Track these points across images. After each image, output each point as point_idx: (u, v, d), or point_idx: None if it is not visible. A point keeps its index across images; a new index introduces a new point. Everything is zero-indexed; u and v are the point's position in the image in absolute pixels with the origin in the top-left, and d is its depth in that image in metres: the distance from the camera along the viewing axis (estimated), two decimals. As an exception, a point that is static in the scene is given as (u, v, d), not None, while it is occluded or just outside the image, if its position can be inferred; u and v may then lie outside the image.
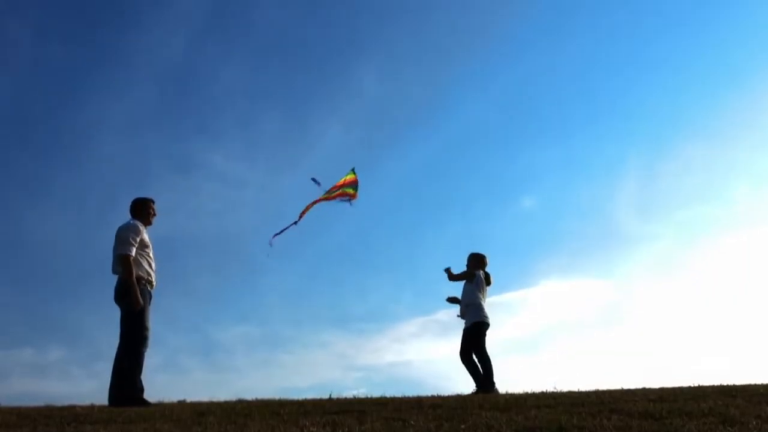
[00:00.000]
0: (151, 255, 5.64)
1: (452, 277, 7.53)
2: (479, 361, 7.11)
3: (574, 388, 5.70)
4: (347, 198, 7.78)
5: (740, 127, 20.44)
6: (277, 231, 7.39)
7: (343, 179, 7.81)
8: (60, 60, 18.95)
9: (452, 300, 7.60)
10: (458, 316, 7.49)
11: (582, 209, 20.79)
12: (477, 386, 6.99)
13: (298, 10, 20.95)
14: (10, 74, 18.25)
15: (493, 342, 7.28)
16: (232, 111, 20.77)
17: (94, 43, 19.53)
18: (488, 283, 7.50)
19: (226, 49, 20.61)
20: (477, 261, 7.58)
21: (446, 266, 7.58)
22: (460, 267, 7.64)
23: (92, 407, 4.80)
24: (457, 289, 7.62)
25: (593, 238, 20.11)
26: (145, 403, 5.23)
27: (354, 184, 7.82)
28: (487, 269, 7.60)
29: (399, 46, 21.83)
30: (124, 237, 5.46)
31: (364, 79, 21.30)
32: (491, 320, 7.33)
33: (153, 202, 5.84)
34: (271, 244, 7.23)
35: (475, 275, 7.43)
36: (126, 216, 5.75)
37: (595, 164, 21.41)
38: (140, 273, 5.47)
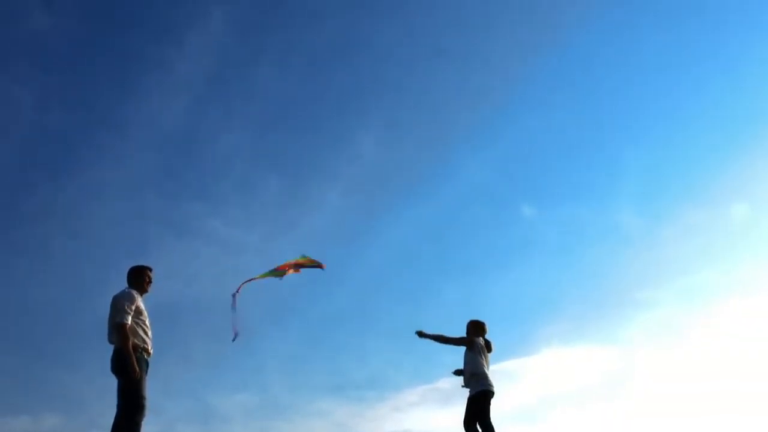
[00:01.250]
0: (147, 323, 5.62)
1: (442, 340, 7.36)
2: (482, 431, 6.96)
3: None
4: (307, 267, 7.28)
5: (740, 191, 20.63)
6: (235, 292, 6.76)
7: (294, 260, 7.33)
8: (60, 125, 19.35)
9: (459, 373, 7.48)
10: (462, 386, 7.36)
11: (582, 274, 20.72)
12: (480, 457, 6.84)
13: (298, 75, 21.51)
14: (10, 139, 18.60)
15: (494, 411, 7.12)
16: (232, 176, 21.02)
17: (94, 108, 19.98)
18: (489, 350, 7.40)
19: (227, 114, 21.06)
20: (476, 328, 7.49)
21: (417, 330, 7.41)
22: (459, 334, 7.52)
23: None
24: (459, 357, 7.55)
25: (594, 303, 19.96)
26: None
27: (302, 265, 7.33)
28: (488, 336, 7.51)
29: (398, 111, 22.30)
30: (119, 305, 5.46)
31: (363, 144, 21.66)
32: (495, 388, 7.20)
33: (150, 270, 5.85)
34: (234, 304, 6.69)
35: (474, 342, 7.31)
36: (124, 283, 5.78)
37: (595, 228, 21.48)
38: (136, 341, 5.44)
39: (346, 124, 22.17)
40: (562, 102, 22.09)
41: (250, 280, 6.97)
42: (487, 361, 7.31)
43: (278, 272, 7.20)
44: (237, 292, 6.80)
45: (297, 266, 7.30)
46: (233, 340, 6.63)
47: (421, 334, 7.36)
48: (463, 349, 7.43)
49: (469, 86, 22.36)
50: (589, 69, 22.21)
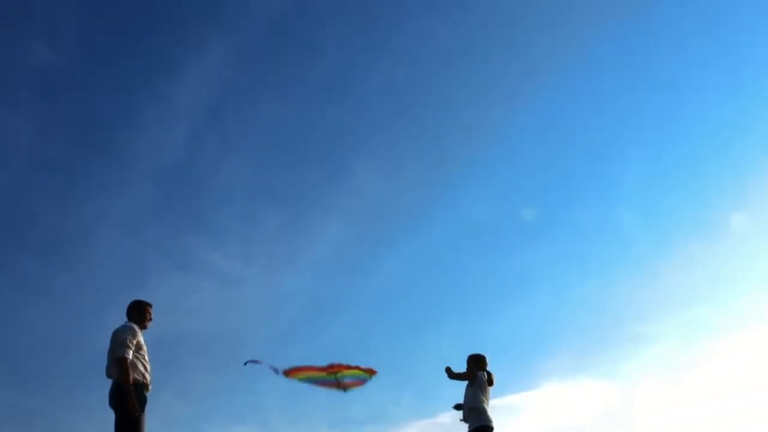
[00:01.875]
0: (146, 358, 5.63)
1: (452, 376, 7.39)
2: (482, 467, 6.94)
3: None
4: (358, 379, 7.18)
5: (743, 224, 20.63)
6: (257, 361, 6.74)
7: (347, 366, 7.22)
8: (60, 156, 19.42)
9: (459, 407, 7.45)
10: (461, 420, 7.32)
11: (581, 308, 20.66)
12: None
13: (298, 107, 21.72)
14: (9, 171, 18.71)
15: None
16: (232, 208, 21.08)
17: (94, 139, 20.04)
18: (491, 383, 7.37)
19: (226, 146, 21.22)
20: (477, 362, 7.47)
21: (446, 366, 7.45)
22: (460, 367, 7.52)
23: None
24: (459, 392, 7.54)
25: (594, 337, 19.83)
26: None
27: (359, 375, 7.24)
28: (488, 369, 7.50)
29: (398, 143, 22.44)
30: (121, 339, 5.47)
31: (363, 176, 21.75)
32: (495, 424, 7.14)
33: (150, 306, 5.88)
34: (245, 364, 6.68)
35: (477, 377, 7.30)
36: (125, 316, 5.79)
37: (594, 261, 21.48)
38: (136, 376, 5.44)
39: (346, 156, 22.32)
40: (561, 133, 22.26)
41: (298, 372, 6.93)
42: (487, 396, 7.29)
43: (328, 374, 7.13)
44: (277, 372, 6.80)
45: (348, 381, 7.26)
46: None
47: (448, 372, 7.46)
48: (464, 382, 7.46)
49: (468, 117, 22.59)
50: (589, 99, 22.45)
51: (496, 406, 7.45)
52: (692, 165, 21.77)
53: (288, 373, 6.83)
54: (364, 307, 20.16)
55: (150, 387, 5.62)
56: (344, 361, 7.19)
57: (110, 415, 5.43)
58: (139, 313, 5.79)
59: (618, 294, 20.55)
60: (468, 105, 22.23)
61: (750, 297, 19.13)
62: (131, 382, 5.37)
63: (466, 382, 7.41)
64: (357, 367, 7.18)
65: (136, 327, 5.66)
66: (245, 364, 6.65)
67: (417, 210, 22.23)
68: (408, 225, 22.01)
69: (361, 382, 7.16)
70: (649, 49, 21.52)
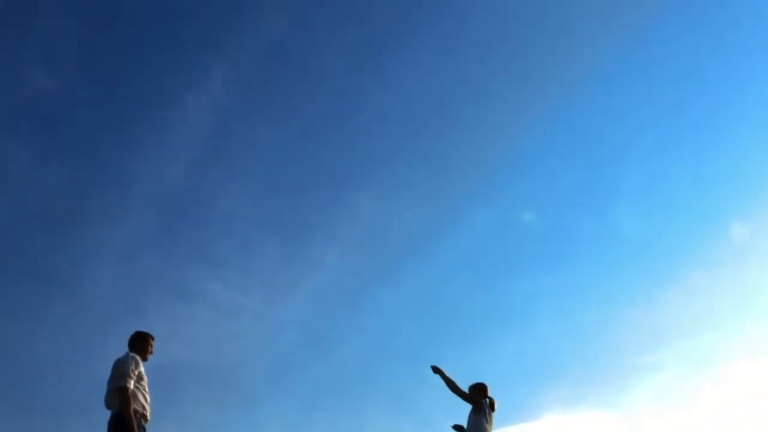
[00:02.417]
0: (147, 389, 5.62)
1: (452, 387, 7.32)
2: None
3: None
4: None
5: (742, 255, 20.63)
6: None
7: None
8: (59, 185, 19.44)
9: (458, 428, 7.39)
10: (461, 446, 7.27)
11: (583, 338, 20.52)
12: None
13: (298, 136, 21.81)
14: (8, 198, 18.68)
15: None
16: (232, 237, 21.03)
17: (94, 168, 20.10)
18: (492, 408, 7.32)
19: (227, 175, 21.24)
20: (478, 391, 7.42)
21: (433, 365, 7.43)
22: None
23: None
24: (459, 418, 7.43)
25: (595, 367, 19.69)
26: None
27: None
28: (490, 395, 7.44)
29: (398, 171, 22.53)
30: (123, 369, 5.46)
31: (363, 204, 21.77)
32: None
33: (153, 339, 5.89)
34: None
35: (481, 405, 7.26)
36: (123, 346, 5.79)
37: (594, 291, 21.40)
38: (135, 406, 5.41)
39: (346, 185, 22.38)
40: (562, 161, 22.42)
41: None
42: (491, 425, 7.23)
43: None
44: None
45: None
46: None
47: (435, 370, 7.40)
48: (464, 404, 7.37)
49: (469, 146, 22.71)
50: (589, 130, 22.62)
51: (497, 436, 7.38)
52: (693, 192, 21.90)
53: None
54: (364, 337, 20.04)
55: (149, 418, 5.58)
56: None
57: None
58: (141, 344, 5.79)
59: (619, 323, 20.51)
60: (468, 133, 22.41)
61: (752, 325, 19.07)
62: (132, 413, 5.32)
63: (469, 408, 7.35)
64: None
65: (138, 357, 5.65)
66: None
67: (417, 238, 22.25)
68: (408, 253, 22.02)
69: None
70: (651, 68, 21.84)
